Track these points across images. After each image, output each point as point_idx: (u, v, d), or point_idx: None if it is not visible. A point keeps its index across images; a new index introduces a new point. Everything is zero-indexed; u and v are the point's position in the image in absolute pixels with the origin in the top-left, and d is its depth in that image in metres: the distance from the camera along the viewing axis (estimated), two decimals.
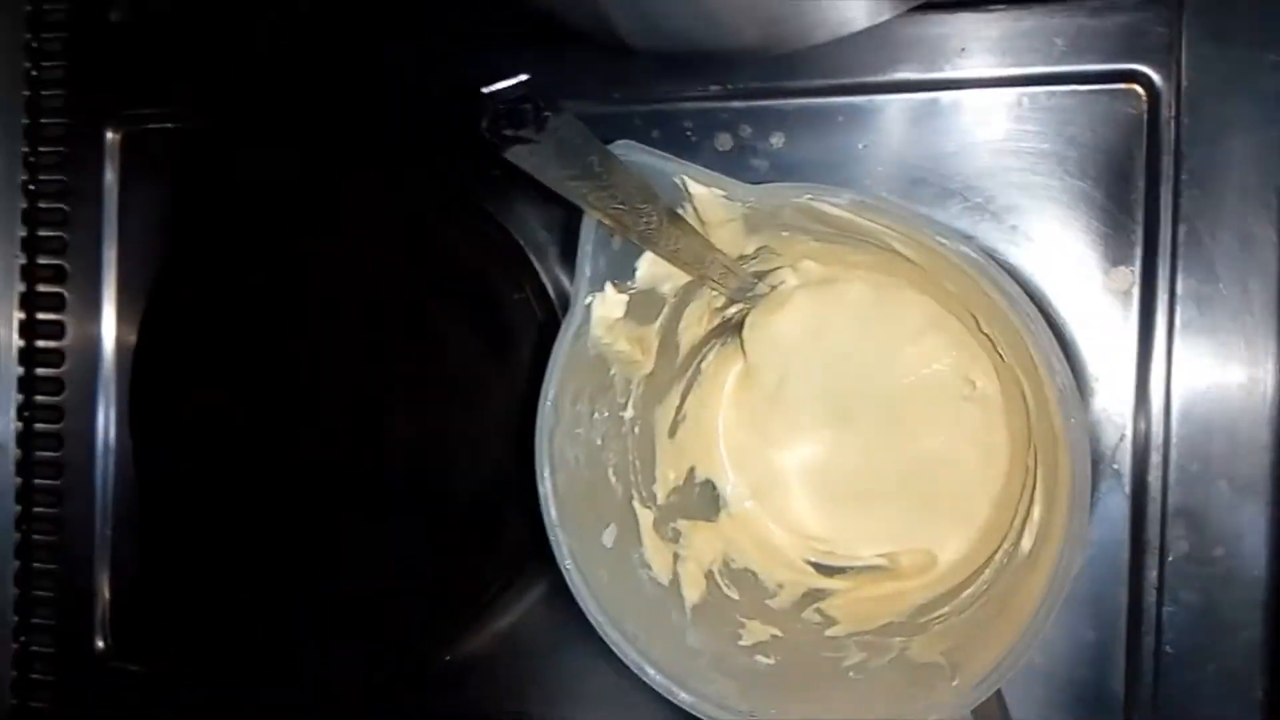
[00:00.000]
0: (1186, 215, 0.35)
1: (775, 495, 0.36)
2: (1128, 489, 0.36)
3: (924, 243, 0.27)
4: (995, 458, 0.33)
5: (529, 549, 0.42)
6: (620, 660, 0.40)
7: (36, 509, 0.51)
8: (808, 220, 0.29)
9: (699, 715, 0.28)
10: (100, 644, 0.50)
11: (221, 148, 0.48)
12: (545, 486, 0.29)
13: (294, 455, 0.45)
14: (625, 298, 0.29)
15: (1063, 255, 0.37)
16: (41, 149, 0.51)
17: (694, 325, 0.34)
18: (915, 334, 0.34)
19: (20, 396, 0.51)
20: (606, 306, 0.29)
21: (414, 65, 0.45)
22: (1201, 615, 0.35)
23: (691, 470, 0.36)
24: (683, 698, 0.28)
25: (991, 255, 0.37)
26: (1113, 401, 0.36)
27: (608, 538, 0.31)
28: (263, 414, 0.46)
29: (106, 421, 0.49)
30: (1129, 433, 0.36)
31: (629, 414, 0.33)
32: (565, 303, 0.32)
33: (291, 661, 0.46)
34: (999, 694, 0.33)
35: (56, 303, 0.51)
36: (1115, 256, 0.36)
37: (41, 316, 0.51)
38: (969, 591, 0.31)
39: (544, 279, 0.43)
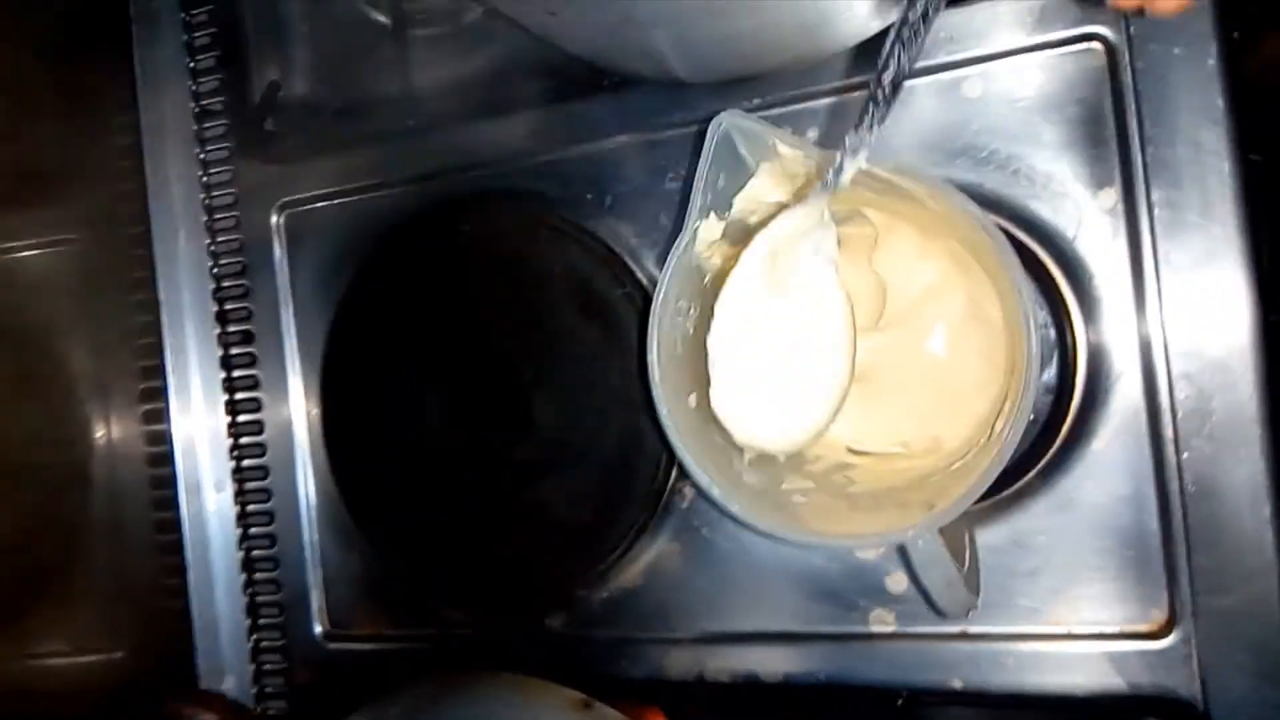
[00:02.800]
0: (1150, 139, 0.43)
1: None
2: (1139, 366, 0.44)
3: (939, 197, 0.36)
4: (994, 367, 0.40)
5: (656, 496, 0.52)
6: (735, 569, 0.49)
7: (252, 529, 0.62)
8: (862, 178, 0.37)
9: (745, 521, 0.37)
10: (319, 629, 0.61)
11: (366, 217, 0.60)
12: (652, 355, 0.38)
13: (463, 449, 0.56)
14: (723, 224, 0.39)
15: (1057, 188, 0.45)
16: (220, 238, 0.63)
17: None
18: (940, 269, 0.42)
19: (230, 440, 0.63)
20: (708, 230, 0.39)
21: (513, 129, 0.55)
22: (1212, 458, 0.43)
23: None
24: (734, 509, 0.37)
25: (997, 196, 0.46)
26: (1116, 300, 0.45)
27: (691, 401, 0.40)
28: (433, 420, 0.56)
29: (303, 446, 0.61)
30: (1134, 322, 0.44)
31: None
32: None
33: (475, 613, 0.57)
34: (970, 530, 0.42)
35: (249, 360, 0.63)
36: (1100, 181, 0.45)
37: (238, 374, 0.63)
38: (959, 463, 0.39)
39: (640, 277, 0.53)
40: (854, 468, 0.43)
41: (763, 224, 0.40)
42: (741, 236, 0.40)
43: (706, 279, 0.41)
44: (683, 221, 0.38)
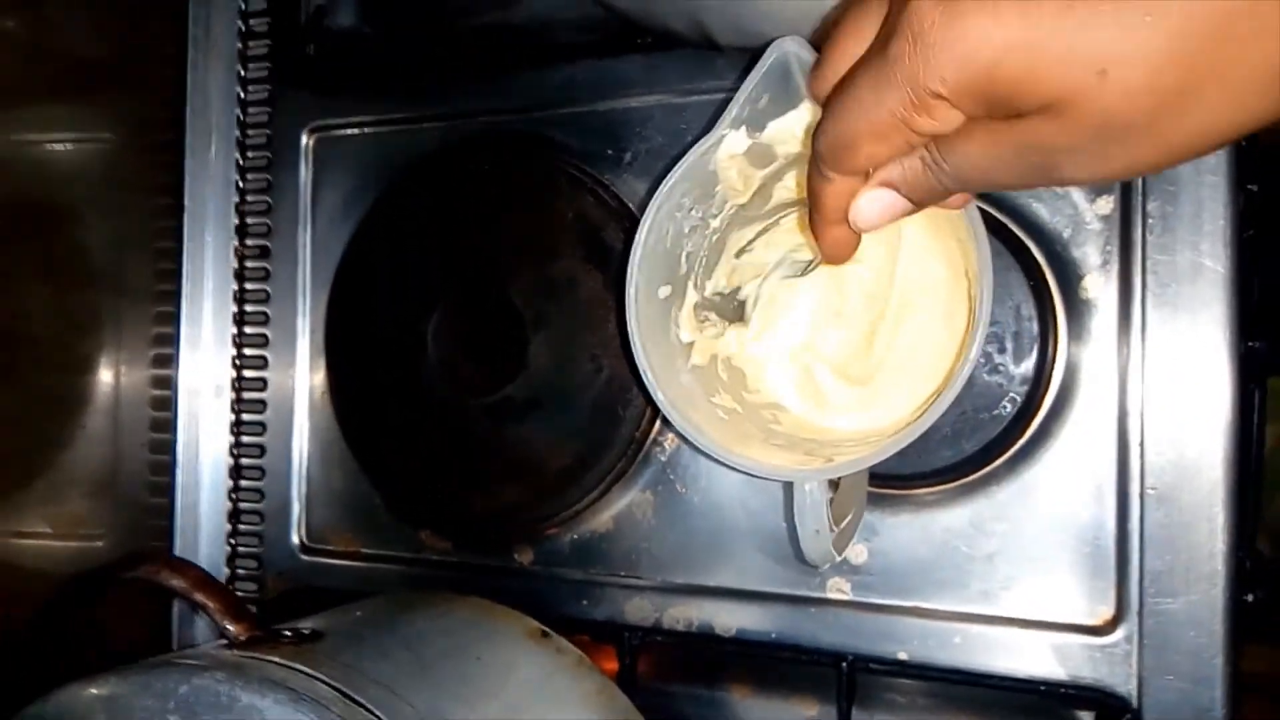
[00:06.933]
0: None
1: (782, 336, 0.46)
2: (1115, 367, 0.46)
3: None
4: (940, 374, 0.42)
5: (636, 446, 0.54)
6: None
7: (244, 437, 0.64)
8: None
9: (665, 412, 0.39)
10: (296, 540, 0.62)
11: (393, 148, 0.61)
12: (641, 235, 0.39)
13: (458, 381, 0.57)
14: (750, 142, 0.39)
15: (1058, 189, 0.47)
16: (250, 155, 0.65)
17: (792, 188, 0.43)
18: (936, 272, 0.43)
19: (234, 349, 0.65)
20: (734, 142, 0.39)
21: (546, 78, 0.57)
22: (1175, 463, 0.44)
23: (738, 288, 0.47)
24: (659, 397, 0.39)
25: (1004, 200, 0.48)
26: (1100, 303, 0.46)
27: (662, 293, 0.42)
28: (433, 350, 0.58)
29: (304, 362, 0.62)
30: (1114, 325, 0.46)
31: (715, 225, 0.43)
32: None
33: (449, 541, 0.58)
34: (862, 498, 0.45)
35: (262, 274, 0.64)
36: (1100, 188, 0.47)
37: (250, 285, 0.65)
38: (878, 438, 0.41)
39: None
40: (785, 412, 0.45)
41: (789, 160, 0.41)
42: (764, 162, 0.41)
43: (717, 189, 0.41)
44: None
